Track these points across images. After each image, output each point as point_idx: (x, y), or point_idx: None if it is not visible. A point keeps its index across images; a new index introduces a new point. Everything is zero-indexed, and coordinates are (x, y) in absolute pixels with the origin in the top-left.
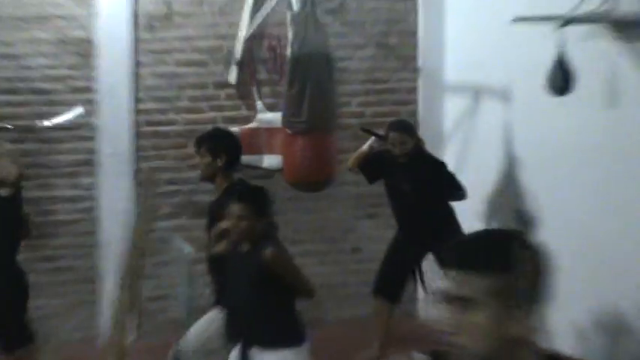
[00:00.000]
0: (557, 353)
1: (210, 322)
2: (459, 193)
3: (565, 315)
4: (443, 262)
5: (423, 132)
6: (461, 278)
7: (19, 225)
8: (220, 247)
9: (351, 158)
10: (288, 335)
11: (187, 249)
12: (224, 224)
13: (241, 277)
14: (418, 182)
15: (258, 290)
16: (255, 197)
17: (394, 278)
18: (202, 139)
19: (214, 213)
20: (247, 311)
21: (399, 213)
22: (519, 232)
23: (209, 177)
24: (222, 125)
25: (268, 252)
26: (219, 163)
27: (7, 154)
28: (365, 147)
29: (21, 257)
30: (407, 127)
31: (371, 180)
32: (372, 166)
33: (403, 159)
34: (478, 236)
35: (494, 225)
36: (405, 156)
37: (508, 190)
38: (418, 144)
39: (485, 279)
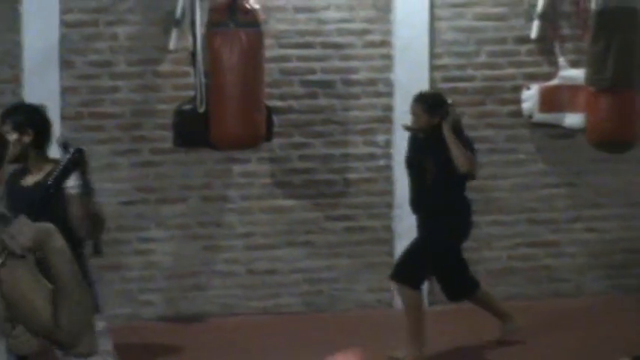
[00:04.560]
0: None
1: None
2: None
3: None
4: None
5: None
6: None
7: None
8: None
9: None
10: None
11: None
12: None
13: None
14: (423, 162)
15: None
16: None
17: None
18: (4, 115)
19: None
20: None
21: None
22: None
23: (17, 158)
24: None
25: None
26: (27, 140)
27: None
28: None
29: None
30: (423, 100)
31: None
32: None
33: (420, 133)
34: None
35: None
36: (421, 131)
37: None
38: (438, 122)
39: None
